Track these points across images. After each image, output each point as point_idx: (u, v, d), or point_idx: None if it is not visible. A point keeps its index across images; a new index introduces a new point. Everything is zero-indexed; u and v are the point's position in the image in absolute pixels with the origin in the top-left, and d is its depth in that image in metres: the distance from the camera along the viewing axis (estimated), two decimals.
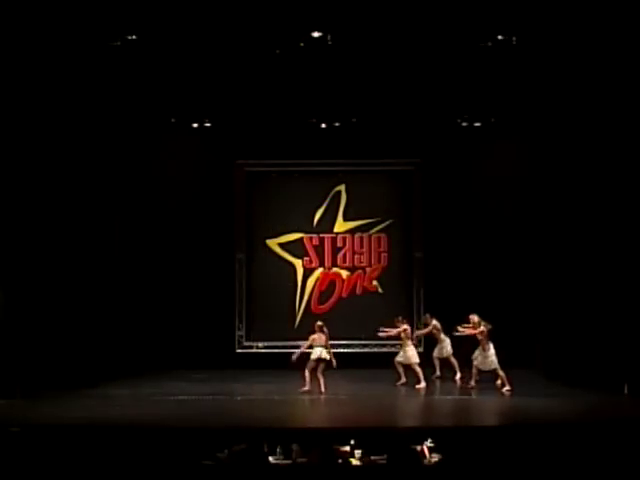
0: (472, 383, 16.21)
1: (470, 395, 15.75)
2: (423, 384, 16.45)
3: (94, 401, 14.93)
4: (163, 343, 19.09)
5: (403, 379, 16.81)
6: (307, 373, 15.85)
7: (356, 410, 14.29)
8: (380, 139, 19.37)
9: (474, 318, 16.31)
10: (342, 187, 20.18)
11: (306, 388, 15.85)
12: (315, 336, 15.94)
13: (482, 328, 16.04)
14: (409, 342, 16.92)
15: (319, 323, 16.22)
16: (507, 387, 15.74)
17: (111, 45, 14.60)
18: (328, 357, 15.81)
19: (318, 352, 15.79)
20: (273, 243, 20.14)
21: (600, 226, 16.09)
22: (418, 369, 16.64)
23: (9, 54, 14.57)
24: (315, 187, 20.21)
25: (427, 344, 18.41)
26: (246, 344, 19.78)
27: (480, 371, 16.18)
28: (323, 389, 15.78)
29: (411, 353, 16.83)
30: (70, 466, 7.99)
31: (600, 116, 15.97)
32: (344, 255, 20.16)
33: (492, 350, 16.06)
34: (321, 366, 15.84)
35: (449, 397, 15.61)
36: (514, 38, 14.61)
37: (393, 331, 17.15)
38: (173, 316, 19.38)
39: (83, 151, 17.11)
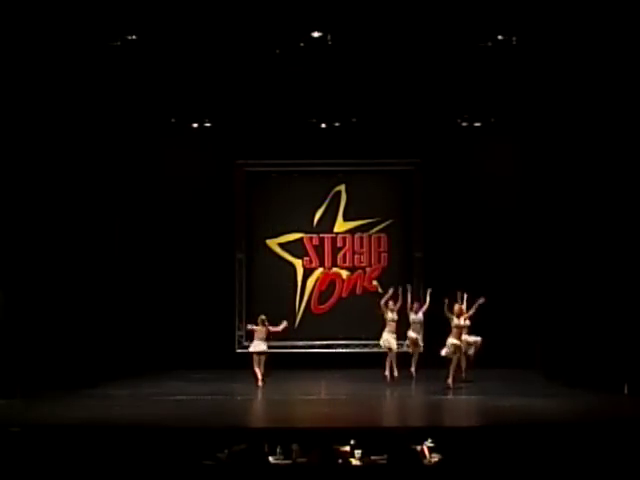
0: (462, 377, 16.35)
1: (470, 395, 15.76)
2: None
3: (94, 401, 14.93)
4: (163, 343, 19.09)
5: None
6: (256, 369, 16.51)
7: (356, 410, 14.29)
8: (380, 139, 19.37)
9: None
10: (342, 187, 20.17)
11: (260, 384, 16.38)
12: (257, 328, 16.74)
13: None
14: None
15: (262, 317, 16.84)
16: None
17: (111, 45, 14.61)
18: (265, 349, 16.68)
19: (257, 345, 16.72)
20: (273, 243, 20.14)
21: (600, 226, 16.09)
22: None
23: (9, 54, 14.58)
24: (315, 187, 20.21)
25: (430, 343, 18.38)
26: (246, 344, 19.74)
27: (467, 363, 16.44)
28: (260, 383, 16.46)
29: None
30: (70, 466, 7.99)
31: (600, 116, 15.98)
32: (344, 255, 20.16)
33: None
34: (261, 358, 16.62)
35: (449, 397, 15.62)
36: (514, 38, 14.62)
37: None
38: (173, 316, 19.38)
39: (83, 151, 17.12)
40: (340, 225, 20.16)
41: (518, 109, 18.29)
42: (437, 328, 19.18)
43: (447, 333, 17.23)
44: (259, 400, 15.47)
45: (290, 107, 17.97)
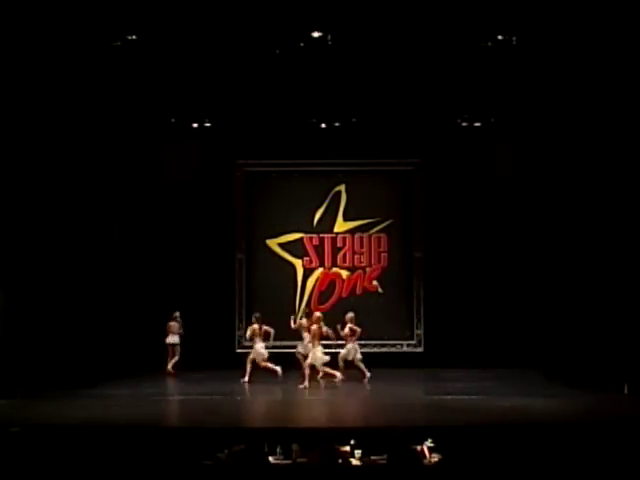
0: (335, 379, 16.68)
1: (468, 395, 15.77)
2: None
3: (94, 401, 14.92)
4: (163, 343, 19.06)
5: (340, 376, 16.96)
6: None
7: (356, 410, 14.29)
8: (380, 139, 19.37)
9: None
10: (342, 187, 20.17)
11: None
12: (172, 324, 18.48)
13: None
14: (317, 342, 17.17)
15: (176, 314, 18.51)
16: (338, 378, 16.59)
17: (111, 45, 14.61)
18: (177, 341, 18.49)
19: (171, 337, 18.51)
20: (273, 243, 20.13)
21: (600, 226, 16.09)
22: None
23: (9, 54, 14.58)
24: (315, 187, 20.20)
25: None
26: (246, 344, 19.75)
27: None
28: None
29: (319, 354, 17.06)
30: (70, 466, 7.99)
31: (600, 116, 15.98)
32: (344, 255, 20.15)
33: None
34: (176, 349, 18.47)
35: (449, 397, 15.61)
36: (514, 38, 14.62)
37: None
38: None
39: (83, 151, 17.12)
40: (340, 225, 20.16)
41: (518, 109, 18.28)
42: (437, 329, 19.25)
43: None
44: (259, 400, 15.46)
45: (290, 107, 17.96)
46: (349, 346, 17.07)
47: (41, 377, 15.44)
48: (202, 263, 19.60)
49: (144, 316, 19.10)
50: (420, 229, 19.98)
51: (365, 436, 10.05)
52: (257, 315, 17.46)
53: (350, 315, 17.33)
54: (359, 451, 9.55)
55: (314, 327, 16.92)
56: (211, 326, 19.51)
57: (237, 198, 20.14)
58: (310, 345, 16.92)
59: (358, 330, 17.15)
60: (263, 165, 20.12)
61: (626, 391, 15.15)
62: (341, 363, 17.08)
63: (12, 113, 15.33)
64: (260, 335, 17.22)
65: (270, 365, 17.16)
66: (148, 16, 13.90)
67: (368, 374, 16.95)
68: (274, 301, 19.74)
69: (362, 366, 17.01)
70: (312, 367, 16.70)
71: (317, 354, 16.68)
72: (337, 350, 17.27)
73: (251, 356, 17.26)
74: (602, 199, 16.07)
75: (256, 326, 17.26)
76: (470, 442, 9.56)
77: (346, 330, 17.08)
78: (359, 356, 17.09)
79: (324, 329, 16.92)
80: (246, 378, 17.03)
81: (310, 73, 16.23)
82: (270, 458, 9.04)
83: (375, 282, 20.04)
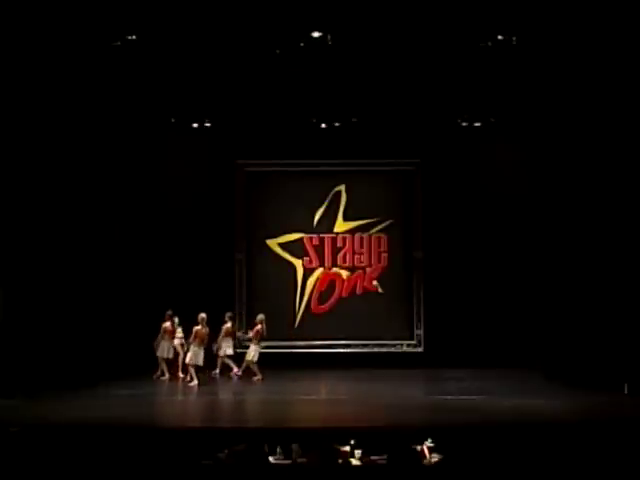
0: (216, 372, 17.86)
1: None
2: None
3: (94, 401, 14.93)
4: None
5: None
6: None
7: (356, 410, 14.28)
8: (380, 139, 19.37)
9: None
10: (342, 187, 20.17)
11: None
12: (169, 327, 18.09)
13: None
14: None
15: (175, 319, 18.15)
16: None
17: (111, 45, 14.62)
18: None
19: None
20: (273, 243, 20.13)
21: (600, 226, 16.10)
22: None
23: (10, 54, 14.59)
24: (315, 187, 20.20)
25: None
26: (246, 344, 19.75)
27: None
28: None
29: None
30: (70, 466, 7.99)
31: (600, 116, 15.99)
32: (344, 255, 20.15)
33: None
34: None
35: (449, 397, 15.61)
36: (514, 38, 14.62)
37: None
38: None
39: (83, 151, 17.14)
40: (340, 225, 20.16)
41: (518, 109, 18.28)
42: (437, 329, 19.25)
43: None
44: (259, 400, 15.45)
45: (290, 107, 17.97)
46: (255, 347, 17.60)
47: (41, 377, 15.44)
48: (202, 263, 19.59)
49: (144, 316, 19.09)
50: (420, 229, 19.99)
51: (365, 436, 10.04)
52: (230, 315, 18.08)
53: (260, 317, 17.77)
54: (359, 451, 9.54)
55: (258, 327, 17.58)
56: (211, 326, 19.47)
57: (237, 198, 20.14)
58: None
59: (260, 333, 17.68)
60: (263, 165, 20.12)
61: (626, 391, 15.15)
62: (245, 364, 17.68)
63: (13, 114, 15.35)
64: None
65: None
66: (148, 16, 13.91)
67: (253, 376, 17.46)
68: (274, 301, 19.74)
69: (256, 368, 17.54)
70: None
71: (254, 352, 17.55)
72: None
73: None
74: (602, 200, 16.08)
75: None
76: (470, 442, 9.55)
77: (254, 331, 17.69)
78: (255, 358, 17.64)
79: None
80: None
81: (310, 73, 16.23)
82: (270, 458, 9.05)
83: (375, 282, 20.05)
